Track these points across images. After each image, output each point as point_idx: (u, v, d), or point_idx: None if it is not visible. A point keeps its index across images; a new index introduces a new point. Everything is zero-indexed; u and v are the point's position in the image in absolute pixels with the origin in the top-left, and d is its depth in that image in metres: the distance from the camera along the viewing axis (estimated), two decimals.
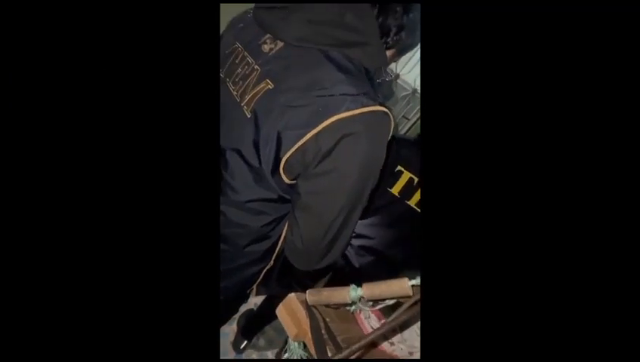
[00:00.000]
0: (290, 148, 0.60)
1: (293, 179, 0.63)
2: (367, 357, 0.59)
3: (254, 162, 0.63)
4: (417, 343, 0.63)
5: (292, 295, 0.61)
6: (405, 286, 0.54)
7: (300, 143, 0.59)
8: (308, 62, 0.63)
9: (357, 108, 0.58)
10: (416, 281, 0.56)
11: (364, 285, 0.57)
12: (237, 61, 0.69)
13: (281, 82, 0.62)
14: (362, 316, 0.62)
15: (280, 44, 0.66)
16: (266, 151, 0.62)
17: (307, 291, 0.59)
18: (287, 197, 0.68)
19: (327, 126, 0.57)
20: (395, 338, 0.63)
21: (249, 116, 0.62)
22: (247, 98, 0.64)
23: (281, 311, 0.62)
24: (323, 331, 0.55)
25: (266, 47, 0.67)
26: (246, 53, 0.68)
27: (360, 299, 0.57)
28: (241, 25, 0.73)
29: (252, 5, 0.74)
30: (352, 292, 0.56)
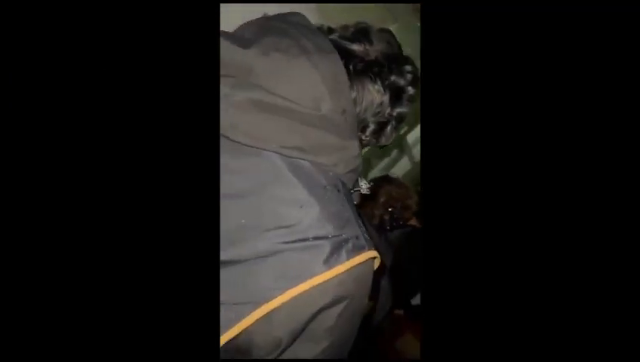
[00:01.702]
0: (227, 331, 0.40)
1: None
2: None
3: None
4: None
5: None
6: None
7: (242, 326, 0.40)
8: (260, 177, 0.43)
9: (340, 263, 0.40)
10: None
11: None
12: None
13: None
14: None
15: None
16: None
17: None
18: None
19: (291, 300, 0.39)
20: None
21: None
22: None
23: None
24: None
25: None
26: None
27: None
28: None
29: None
30: None
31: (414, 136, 2.18)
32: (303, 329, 0.40)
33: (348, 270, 0.40)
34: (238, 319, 0.40)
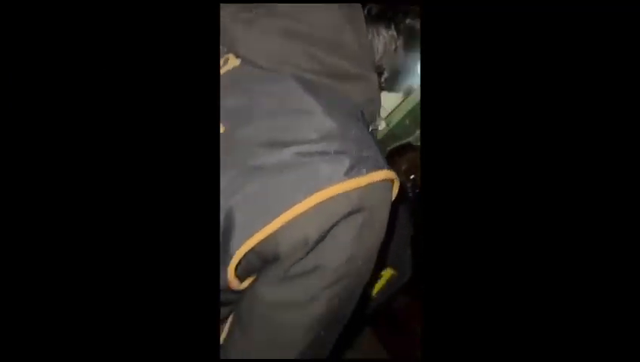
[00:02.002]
0: (250, 237, 0.41)
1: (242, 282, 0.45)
2: None
3: None
4: None
5: None
6: None
7: (268, 231, 0.40)
8: (280, 97, 0.45)
9: (358, 176, 0.41)
10: None
11: None
12: None
13: (237, 125, 0.44)
14: None
15: (235, 61, 0.48)
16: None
17: None
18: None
19: (313, 207, 0.40)
20: None
21: None
22: None
23: None
24: None
25: (223, 67, 0.49)
26: None
27: None
28: None
29: None
30: None
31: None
32: (327, 232, 0.41)
33: (369, 184, 0.41)
34: (264, 223, 0.41)
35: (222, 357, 0.47)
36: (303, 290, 0.43)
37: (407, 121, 0.55)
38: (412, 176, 1.47)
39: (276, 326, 0.45)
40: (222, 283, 0.44)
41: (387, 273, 0.75)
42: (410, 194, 1.41)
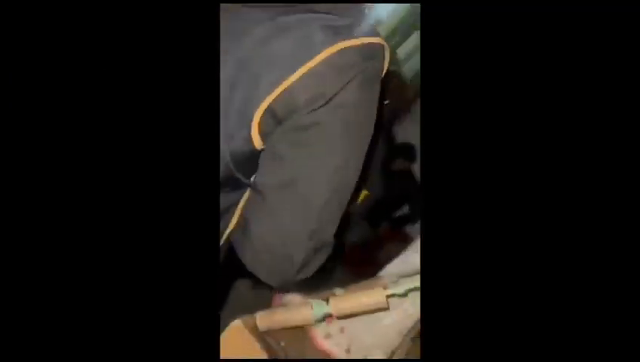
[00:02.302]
0: (273, 91, 0.44)
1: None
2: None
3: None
4: (361, 337, 0.57)
5: (237, 322, 0.54)
6: (382, 298, 0.51)
7: (289, 82, 0.44)
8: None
9: (363, 35, 0.46)
10: (395, 289, 0.53)
11: (332, 300, 0.54)
12: None
13: (245, 7, 0.49)
14: (318, 332, 0.56)
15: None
16: (233, 96, 0.46)
17: (257, 315, 0.54)
18: (241, 178, 0.50)
19: (332, 55, 0.44)
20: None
21: None
22: None
23: (225, 344, 0.52)
24: None
25: None
26: None
27: (325, 318, 0.54)
28: None
29: None
30: (317, 309, 0.53)
31: (406, 49, 2.03)
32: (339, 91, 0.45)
33: (367, 43, 0.47)
34: (282, 78, 0.45)
35: (241, 240, 0.52)
36: (321, 142, 0.47)
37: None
38: (386, 102, 1.60)
39: (296, 184, 0.48)
40: (240, 148, 0.48)
41: (363, 194, 0.78)
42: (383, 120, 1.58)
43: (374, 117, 0.51)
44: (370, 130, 0.50)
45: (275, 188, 0.48)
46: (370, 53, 0.48)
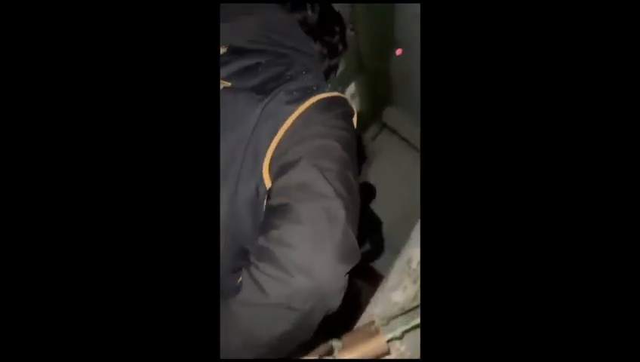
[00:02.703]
0: (271, 143, 0.52)
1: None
2: None
3: (224, 179, 0.52)
4: None
5: None
6: (383, 344, 0.57)
7: (282, 131, 0.52)
8: (267, 62, 0.61)
9: (336, 91, 0.58)
10: (392, 334, 0.59)
11: (337, 353, 0.57)
12: None
13: (240, 81, 0.58)
14: None
15: (223, 48, 0.64)
16: (246, 157, 0.53)
17: None
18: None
19: (312, 104, 0.54)
20: None
21: None
22: None
23: None
24: None
25: None
26: None
27: None
28: None
29: None
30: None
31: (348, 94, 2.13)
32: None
33: (337, 96, 0.59)
34: (276, 131, 0.52)
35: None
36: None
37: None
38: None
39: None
40: (248, 195, 0.52)
41: None
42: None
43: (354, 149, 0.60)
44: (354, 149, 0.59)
45: (289, 223, 0.49)
46: (341, 99, 0.61)
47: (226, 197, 0.53)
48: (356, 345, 0.60)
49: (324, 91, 0.57)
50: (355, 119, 0.62)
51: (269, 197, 0.52)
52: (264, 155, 0.52)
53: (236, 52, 0.63)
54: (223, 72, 0.60)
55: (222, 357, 0.47)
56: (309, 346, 0.61)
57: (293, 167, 0.50)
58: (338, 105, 0.58)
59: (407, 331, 0.61)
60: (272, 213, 0.50)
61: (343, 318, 0.65)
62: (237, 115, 0.55)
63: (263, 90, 0.57)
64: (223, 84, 0.59)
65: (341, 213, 0.48)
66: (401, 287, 0.71)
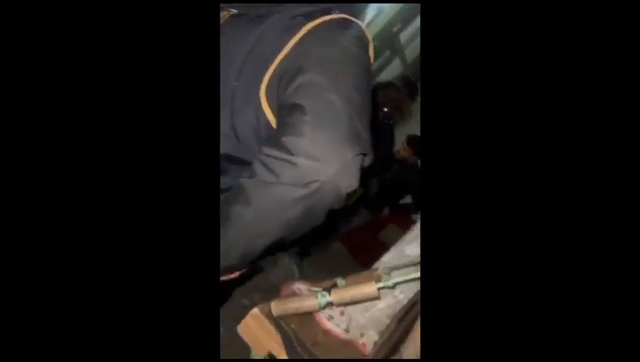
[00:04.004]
0: (270, 65, 0.52)
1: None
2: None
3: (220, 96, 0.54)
4: (358, 319, 0.67)
5: (255, 310, 0.63)
6: (374, 290, 0.60)
7: (282, 54, 0.52)
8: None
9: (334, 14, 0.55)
10: (385, 283, 0.62)
11: (333, 291, 0.63)
12: None
13: (245, 8, 0.59)
14: (322, 315, 0.66)
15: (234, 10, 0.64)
16: (242, 73, 0.54)
17: (272, 303, 0.62)
18: (245, 158, 0.56)
19: (315, 26, 0.53)
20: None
21: None
22: None
23: (245, 328, 0.63)
24: (295, 342, 0.60)
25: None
26: None
27: (328, 305, 0.63)
28: None
29: None
30: (321, 299, 0.62)
31: (407, 34, 2.13)
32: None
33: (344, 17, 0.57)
34: (276, 54, 0.52)
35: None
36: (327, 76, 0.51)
37: None
38: (385, 108, 1.80)
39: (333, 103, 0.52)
40: (249, 122, 0.54)
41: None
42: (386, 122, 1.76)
43: (367, 68, 0.57)
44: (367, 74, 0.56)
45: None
46: (353, 23, 0.56)
47: (226, 120, 0.55)
48: (352, 287, 0.64)
49: (329, 14, 0.54)
50: (370, 49, 0.58)
51: (278, 115, 0.52)
52: (262, 77, 0.52)
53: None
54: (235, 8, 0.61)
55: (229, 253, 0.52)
56: (317, 281, 0.69)
57: (297, 75, 0.50)
58: (347, 27, 0.54)
59: (398, 283, 0.62)
60: (283, 114, 0.51)
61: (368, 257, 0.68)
62: (236, 37, 0.55)
63: (263, 14, 0.56)
64: (230, 12, 0.60)
65: (345, 106, 0.49)
66: (416, 242, 0.70)
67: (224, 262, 0.55)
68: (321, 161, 0.46)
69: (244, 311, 1.12)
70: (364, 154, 0.49)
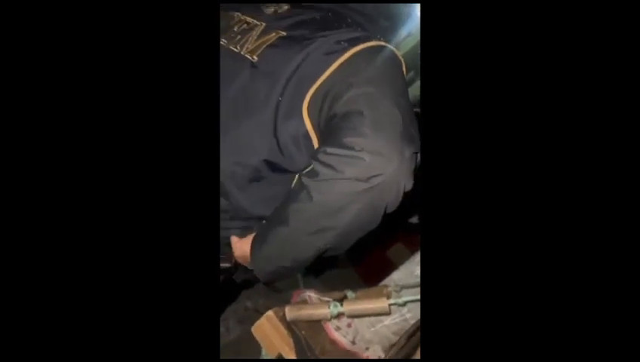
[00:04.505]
0: (314, 83, 0.57)
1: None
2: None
3: (263, 108, 0.59)
4: (364, 333, 0.70)
5: (270, 313, 0.67)
6: (385, 305, 0.64)
7: (326, 74, 0.57)
8: (322, 17, 0.66)
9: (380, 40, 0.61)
10: (396, 300, 0.65)
11: (345, 302, 0.66)
12: (232, 23, 0.71)
13: (294, 31, 0.64)
14: (330, 325, 0.70)
15: (285, 6, 0.70)
16: (287, 89, 0.59)
17: (286, 308, 0.66)
18: (287, 166, 0.61)
19: (357, 52, 0.58)
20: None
21: (254, 60, 0.62)
22: (252, 47, 0.64)
23: (259, 328, 0.67)
24: (305, 347, 0.64)
25: (269, 10, 0.70)
26: (244, 17, 0.70)
27: (338, 316, 0.66)
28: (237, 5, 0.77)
29: None
30: (333, 309, 0.65)
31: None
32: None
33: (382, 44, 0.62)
34: (320, 74, 0.57)
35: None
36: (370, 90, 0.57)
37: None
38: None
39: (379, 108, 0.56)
40: (290, 133, 0.59)
41: None
42: None
43: (405, 84, 0.62)
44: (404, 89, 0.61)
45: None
46: (388, 49, 0.62)
47: (264, 127, 0.60)
48: (364, 300, 0.67)
49: (370, 41, 0.60)
50: (404, 68, 0.64)
51: (331, 119, 0.57)
52: (306, 93, 0.57)
53: (296, 9, 0.68)
54: (283, 24, 0.65)
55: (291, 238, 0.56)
56: (328, 291, 0.72)
57: (347, 91, 0.55)
58: (384, 52, 0.60)
59: (409, 301, 0.65)
60: (336, 123, 0.55)
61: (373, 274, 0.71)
62: (284, 57, 0.60)
63: (310, 37, 0.62)
64: (279, 33, 0.65)
65: (398, 110, 0.54)
66: None
67: (277, 263, 0.60)
68: (385, 156, 0.50)
69: (248, 312, 1.15)
70: (417, 153, 0.54)
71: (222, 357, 1.08)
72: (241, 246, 0.65)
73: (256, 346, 0.75)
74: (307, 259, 0.59)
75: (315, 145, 0.59)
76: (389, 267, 0.81)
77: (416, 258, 0.76)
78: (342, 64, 0.57)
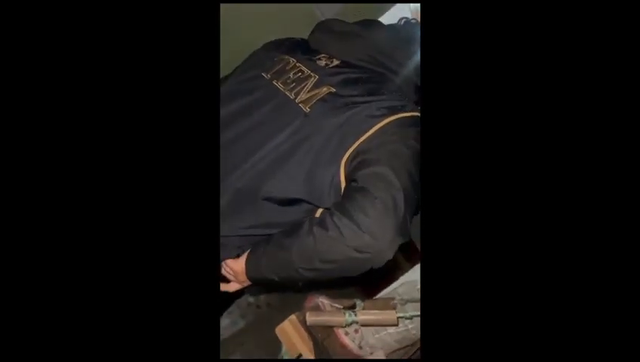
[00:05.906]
0: (355, 142, 0.67)
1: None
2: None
3: (303, 158, 0.69)
4: (369, 338, 0.79)
5: (293, 317, 0.75)
6: (394, 318, 0.73)
7: (365, 136, 0.67)
8: (367, 78, 0.76)
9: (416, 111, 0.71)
10: (404, 313, 0.74)
11: (358, 312, 0.74)
12: (288, 68, 0.80)
13: (342, 89, 0.74)
14: (340, 330, 0.78)
15: (336, 61, 0.79)
16: (330, 142, 0.69)
17: (307, 313, 0.74)
18: (313, 202, 0.71)
19: (393, 121, 0.68)
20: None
21: (307, 111, 0.72)
22: (305, 97, 0.74)
23: (283, 330, 0.74)
24: (322, 350, 0.72)
25: (321, 63, 0.80)
26: (299, 64, 0.80)
27: (352, 324, 0.74)
28: (288, 43, 0.87)
29: None
30: (348, 317, 0.73)
31: None
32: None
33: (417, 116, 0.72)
34: (361, 135, 0.68)
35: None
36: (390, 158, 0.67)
37: None
38: None
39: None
40: (324, 180, 0.69)
41: None
42: None
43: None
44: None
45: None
46: (418, 118, 0.72)
47: (301, 169, 0.70)
48: (374, 311, 0.76)
49: (406, 111, 0.71)
50: None
51: (352, 180, 0.67)
52: (347, 149, 0.68)
53: (345, 66, 0.79)
54: (333, 80, 0.76)
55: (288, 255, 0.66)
56: (337, 298, 0.80)
57: (373, 164, 0.65)
58: (416, 124, 0.70)
59: (415, 316, 0.74)
60: (354, 189, 0.66)
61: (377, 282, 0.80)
62: (332, 114, 0.71)
63: (355, 101, 0.72)
64: (329, 89, 0.75)
65: (402, 202, 0.64)
66: None
67: (265, 273, 0.70)
68: (380, 241, 0.62)
69: (250, 308, 1.21)
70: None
71: (224, 348, 1.13)
72: (237, 261, 0.74)
73: (258, 339, 0.82)
74: (292, 281, 0.70)
75: (342, 189, 0.69)
76: (388, 276, 0.90)
77: (417, 270, 0.86)
78: (378, 130, 0.67)
